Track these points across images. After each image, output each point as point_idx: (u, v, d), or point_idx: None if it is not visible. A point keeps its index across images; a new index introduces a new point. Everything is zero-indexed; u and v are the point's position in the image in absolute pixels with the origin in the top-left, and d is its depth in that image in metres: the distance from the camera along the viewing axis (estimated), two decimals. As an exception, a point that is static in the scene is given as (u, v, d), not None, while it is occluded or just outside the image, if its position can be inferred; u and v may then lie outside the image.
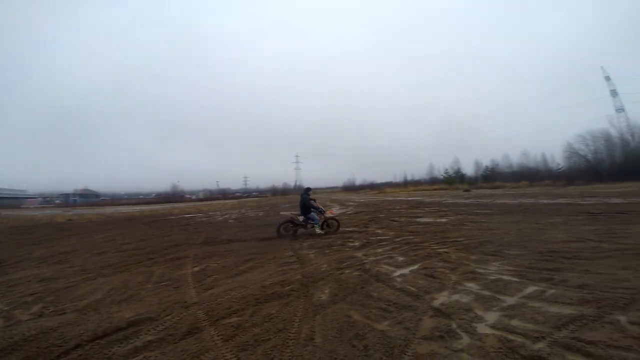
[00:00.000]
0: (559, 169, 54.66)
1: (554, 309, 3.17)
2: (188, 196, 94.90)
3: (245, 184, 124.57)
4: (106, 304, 4.19)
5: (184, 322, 3.39)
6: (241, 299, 4.02)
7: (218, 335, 3.04)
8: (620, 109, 52.01)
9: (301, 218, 9.95)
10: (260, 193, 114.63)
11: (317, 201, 10.63)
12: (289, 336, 2.92)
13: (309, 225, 9.87)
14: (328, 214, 10.51)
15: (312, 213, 9.88)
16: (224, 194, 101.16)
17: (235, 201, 65.32)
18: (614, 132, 50.16)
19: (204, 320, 3.43)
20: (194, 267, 6.19)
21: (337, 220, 10.57)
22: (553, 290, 3.68)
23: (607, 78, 54.94)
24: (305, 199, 9.95)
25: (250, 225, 14.02)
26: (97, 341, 3.05)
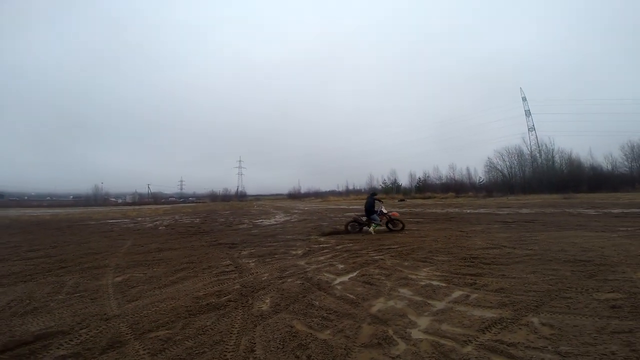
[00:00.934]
0: (481, 181, 61.46)
1: (477, 312, 3.42)
2: (113, 199, 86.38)
3: (181, 188, 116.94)
4: (5, 317, 3.75)
5: (103, 336, 3.10)
6: (171, 311, 3.75)
7: (144, 350, 2.79)
8: (531, 128, 60.13)
9: (364, 218, 11.05)
10: (198, 198, 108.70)
11: (381, 204, 11.62)
12: (227, 348, 2.76)
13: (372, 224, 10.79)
14: (392, 216, 11.28)
15: (374, 215, 10.80)
16: (155, 199, 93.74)
17: (168, 206, 61.03)
18: (525, 149, 57.98)
19: (127, 334, 3.14)
20: (116, 277, 5.64)
21: (401, 221, 11.28)
22: (476, 295, 3.98)
23: (524, 99, 62.97)
24: (370, 203, 11.03)
25: (184, 232, 13.15)
26: (-3, 356, 2.74)
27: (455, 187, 59.63)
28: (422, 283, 4.60)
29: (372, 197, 11.30)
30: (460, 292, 4.11)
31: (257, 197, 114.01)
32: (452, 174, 66.62)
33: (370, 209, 10.88)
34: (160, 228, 15.58)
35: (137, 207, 58.03)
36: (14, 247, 9.60)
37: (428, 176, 71.56)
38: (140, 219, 23.51)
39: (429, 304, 3.75)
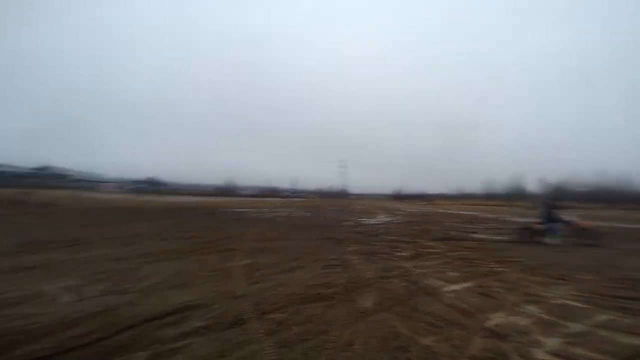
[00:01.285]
0: (646, 190, 47.67)
1: (626, 339, 2.86)
2: (241, 191, 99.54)
3: (293, 184, 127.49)
4: (162, 288, 4.37)
5: (230, 313, 3.45)
6: (286, 296, 4.03)
7: (262, 330, 3.03)
8: None
9: (541, 226, 9.48)
10: (307, 194, 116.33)
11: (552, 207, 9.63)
12: (329, 339, 2.84)
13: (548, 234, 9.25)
14: (582, 226, 9.38)
15: (556, 224, 9.22)
16: (273, 193, 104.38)
17: (283, 200, 66.95)
18: None
19: (250, 313, 3.44)
20: (244, 260, 6.33)
21: (596, 233, 9.33)
22: (627, 320, 3.32)
23: None
24: (548, 208, 9.47)
25: (298, 225, 14.35)
26: (149, 323, 3.15)
27: (606, 197, 47.80)
28: (555, 302, 4.00)
29: (551, 201, 9.73)
30: (606, 316, 3.47)
31: (360, 196, 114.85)
32: (601, 181, 53.64)
33: (550, 216, 9.29)
34: (278, 219, 17.43)
35: (258, 199, 65.49)
36: (170, 229, 11.92)
37: (565, 182, 59.34)
38: (263, 209, 26.69)
39: (561, 324, 3.26)
